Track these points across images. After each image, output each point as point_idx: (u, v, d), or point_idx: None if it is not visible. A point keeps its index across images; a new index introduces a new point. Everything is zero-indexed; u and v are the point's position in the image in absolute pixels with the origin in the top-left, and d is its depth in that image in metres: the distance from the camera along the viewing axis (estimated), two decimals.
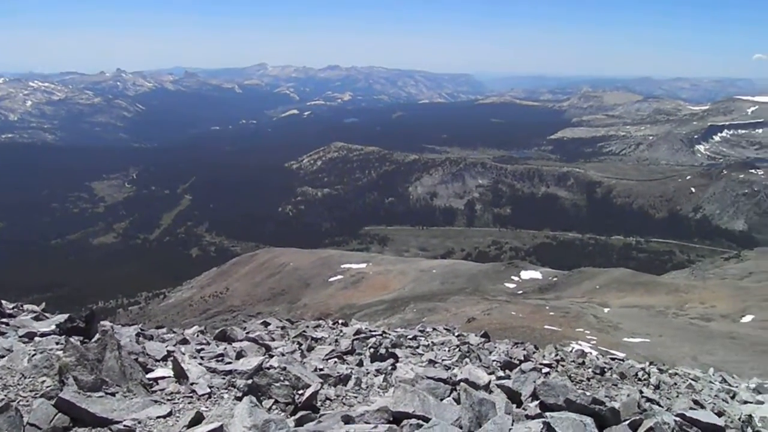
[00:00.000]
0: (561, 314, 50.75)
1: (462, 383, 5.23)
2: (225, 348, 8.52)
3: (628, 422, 4.98)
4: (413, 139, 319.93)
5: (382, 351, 9.80)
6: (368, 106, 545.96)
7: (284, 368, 6.53)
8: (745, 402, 9.80)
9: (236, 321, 57.88)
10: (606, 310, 58.74)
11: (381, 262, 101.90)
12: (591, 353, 15.59)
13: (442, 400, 5.57)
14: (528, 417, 4.78)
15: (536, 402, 5.23)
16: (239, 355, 8.04)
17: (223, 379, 6.37)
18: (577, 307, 57.34)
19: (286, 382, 6.14)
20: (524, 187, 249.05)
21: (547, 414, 4.42)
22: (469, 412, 4.61)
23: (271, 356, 8.16)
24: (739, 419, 7.47)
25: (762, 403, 9.54)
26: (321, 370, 7.76)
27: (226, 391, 6.10)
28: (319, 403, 6.26)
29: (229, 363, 7.16)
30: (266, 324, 13.05)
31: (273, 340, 10.72)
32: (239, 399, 5.68)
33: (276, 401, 5.89)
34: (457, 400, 5.21)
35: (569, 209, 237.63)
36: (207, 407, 5.64)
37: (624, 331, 44.95)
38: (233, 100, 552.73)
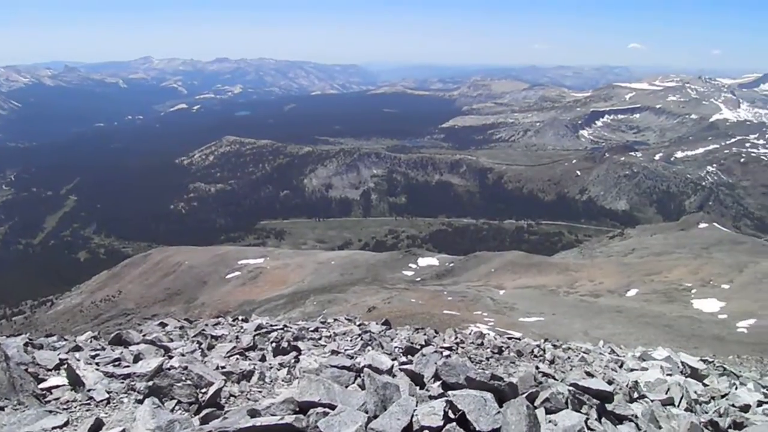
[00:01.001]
0: (459, 299, 51.88)
1: (366, 369, 5.31)
2: (122, 352, 8.25)
3: (525, 395, 5.22)
4: (306, 131, 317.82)
5: (285, 345, 9.78)
6: (260, 99, 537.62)
7: (185, 368, 6.42)
8: (632, 370, 10.37)
9: (131, 324, 56.05)
10: (502, 292, 60.50)
11: (279, 256, 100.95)
12: (489, 334, 16.06)
13: (347, 387, 5.64)
14: (431, 397, 4.92)
15: (438, 382, 5.38)
16: (137, 358, 7.81)
17: (122, 383, 6.19)
18: (474, 291, 58.78)
19: (189, 382, 6.05)
20: (418, 175, 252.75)
21: (450, 393, 4.57)
22: (374, 397, 4.70)
23: (171, 357, 7.97)
24: (627, 386, 7.90)
25: (646, 369, 10.12)
26: (223, 367, 7.66)
27: (126, 395, 5.94)
28: (223, 401, 6.19)
29: (127, 367, 6.95)
30: (163, 325, 12.71)
31: (171, 341, 10.46)
32: (140, 402, 5.55)
33: (179, 402, 5.78)
34: (362, 386, 5.29)
35: (463, 196, 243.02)
36: (107, 413, 5.48)
37: (520, 312, 46.42)
38: (118, 95, 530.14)
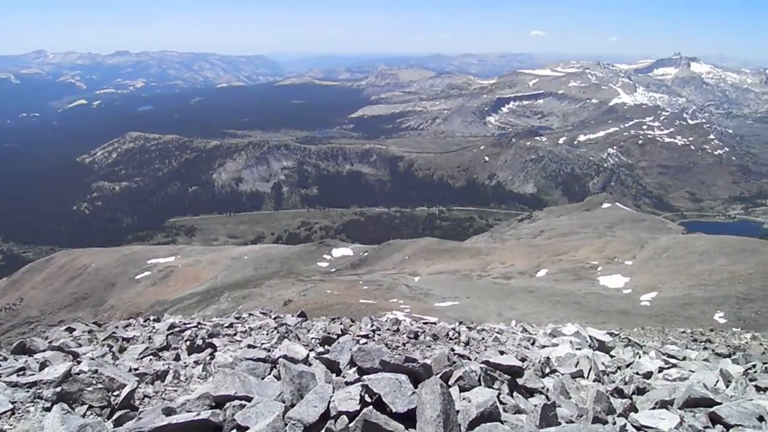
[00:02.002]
0: (375, 287, 52.16)
1: (281, 359, 5.30)
2: (26, 361, 7.89)
3: (439, 374, 5.34)
4: (214, 124, 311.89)
5: (199, 342, 9.61)
6: (163, 93, 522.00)
7: (96, 371, 6.23)
8: (544, 346, 10.69)
9: (36, 332, 53.74)
10: (416, 278, 61.15)
11: (190, 254, 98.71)
12: (405, 320, 16.24)
13: (263, 378, 5.60)
14: (348, 383, 4.95)
15: (354, 368, 5.42)
16: (43, 365, 7.48)
17: (27, 392, 5.93)
18: (389, 279, 59.18)
19: (100, 385, 5.87)
20: (329, 166, 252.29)
21: (365, 377, 4.61)
22: (290, 386, 4.69)
23: (80, 362, 7.69)
24: (539, 361, 8.16)
25: (557, 345, 10.47)
26: (136, 369, 7.47)
27: (33, 404, 5.69)
28: (137, 402, 6.04)
29: (33, 375, 6.67)
30: (71, 330, 12.23)
31: (80, 345, 10.09)
32: (48, 410, 5.35)
33: (90, 406, 5.60)
34: (278, 377, 5.28)
35: (374, 185, 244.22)
36: (11, 424, 5.25)
37: (435, 297, 47.07)
38: (10, 91, 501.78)
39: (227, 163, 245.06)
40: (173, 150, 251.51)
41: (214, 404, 4.73)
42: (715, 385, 7.33)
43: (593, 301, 45.03)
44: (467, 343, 12.21)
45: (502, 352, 9.20)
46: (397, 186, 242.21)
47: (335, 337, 10.69)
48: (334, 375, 5.54)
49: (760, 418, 5.32)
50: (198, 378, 7.44)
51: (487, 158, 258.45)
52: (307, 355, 6.35)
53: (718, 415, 5.40)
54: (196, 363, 8.19)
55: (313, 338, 11.12)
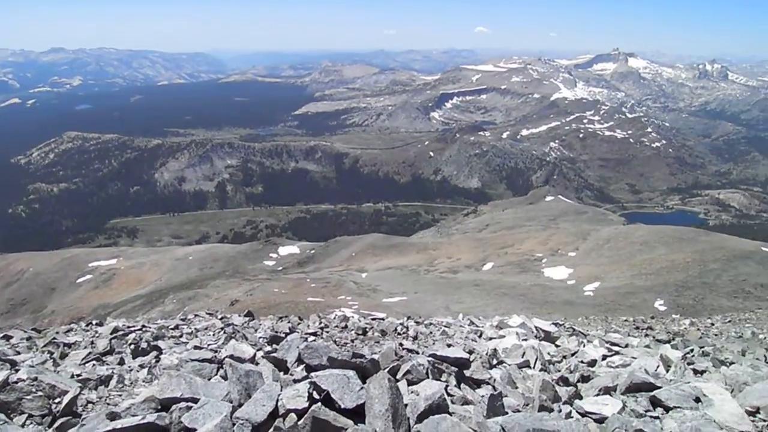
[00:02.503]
0: (322, 285, 52.03)
1: (227, 359, 5.24)
2: None
3: (387, 369, 5.35)
4: (155, 123, 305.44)
5: (144, 345, 9.44)
6: (102, 91, 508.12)
7: (35, 378, 6.04)
8: (491, 338, 10.81)
9: None
10: (364, 275, 61.26)
11: (133, 255, 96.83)
12: (353, 317, 16.24)
13: (210, 379, 5.53)
14: (296, 381, 4.92)
15: (302, 366, 5.39)
16: None
17: None
18: (336, 276, 59.15)
19: (40, 393, 5.70)
20: (274, 164, 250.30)
21: (313, 374, 4.59)
22: (238, 386, 4.65)
23: (18, 370, 7.45)
24: (486, 353, 8.25)
25: (504, 336, 10.60)
26: (79, 375, 7.27)
27: None
28: (80, 408, 5.89)
29: None
30: (8, 338, 11.83)
31: (18, 353, 9.76)
32: None
33: (30, 415, 5.44)
34: (225, 377, 5.22)
35: (320, 182, 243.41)
36: None
37: (383, 293, 47.23)
38: None
39: (170, 162, 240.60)
40: (113, 150, 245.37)
41: (160, 407, 4.65)
42: (656, 370, 7.53)
43: (539, 293, 45.80)
44: (415, 338, 12.28)
45: (449, 346, 9.29)
46: (342, 183, 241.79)
47: (283, 335, 10.63)
48: (282, 373, 5.51)
49: (697, 399, 5.52)
50: (143, 381, 7.30)
51: (431, 154, 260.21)
52: (254, 355, 6.30)
53: (658, 399, 5.58)
54: (141, 366, 8.04)
55: (260, 337, 11.03)
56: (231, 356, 6.01)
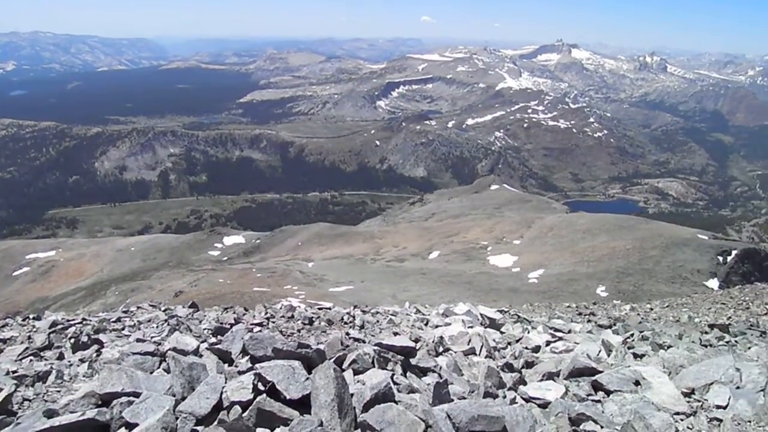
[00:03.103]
0: (268, 274, 51.70)
1: (170, 352, 5.14)
2: None
3: (333, 359, 5.33)
4: (94, 110, 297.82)
5: (84, 339, 9.18)
6: (37, 77, 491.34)
7: None
8: (437, 326, 10.88)
9: None
10: (310, 264, 61.07)
11: (72, 247, 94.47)
12: (300, 307, 16.15)
13: (152, 373, 5.42)
14: (240, 372, 4.86)
15: (247, 357, 5.33)
16: None
17: None
18: (283, 266, 58.81)
19: None
20: (218, 152, 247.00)
21: (258, 366, 4.54)
22: (180, 379, 4.56)
23: None
24: (433, 341, 8.31)
25: (450, 324, 10.68)
26: (14, 371, 7.03)
27: None
28: (15, 406, 5.70)
29: None
30: None
31: None
32: None
33: None
34: (168, 371, 5.12)
35: (265, 171, 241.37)
36: None
37: (329, 282, 47.18)
38: None
39: (110, 150, 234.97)
40: (51, 138, 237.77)
41: (100, 402, 4.54)
42: (597, 355, 7.71)
43: (484, 281, 46.41)
44: (362, 327, 12.28)
45: (396, 334, 9.32)
46: (288, 172, 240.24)
47: (228, 326, 10.49)
48: (226, 365, 5.43)
49: (636, 383, 5.69)
50: (83, 376, 7.12)
51: (378, 142, 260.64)
52: (198, 347, 6.19)
53: (599, 383, 5.73)
54: (82, 361, 7.83)
55: (205, 329, 10.88)
56: (174, 349, 5.90)
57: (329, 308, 15.95)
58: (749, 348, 8.78)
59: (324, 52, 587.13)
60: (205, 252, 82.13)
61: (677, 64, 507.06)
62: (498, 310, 14.26)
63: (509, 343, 9.16)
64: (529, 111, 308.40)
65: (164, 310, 14.04)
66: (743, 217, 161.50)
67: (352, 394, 4.39)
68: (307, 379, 4.34)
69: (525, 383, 6.20)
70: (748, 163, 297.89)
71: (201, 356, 5.64)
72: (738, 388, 5.60)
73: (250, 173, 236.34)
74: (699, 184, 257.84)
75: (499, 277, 48.47)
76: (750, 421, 5.06)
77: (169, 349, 5.85)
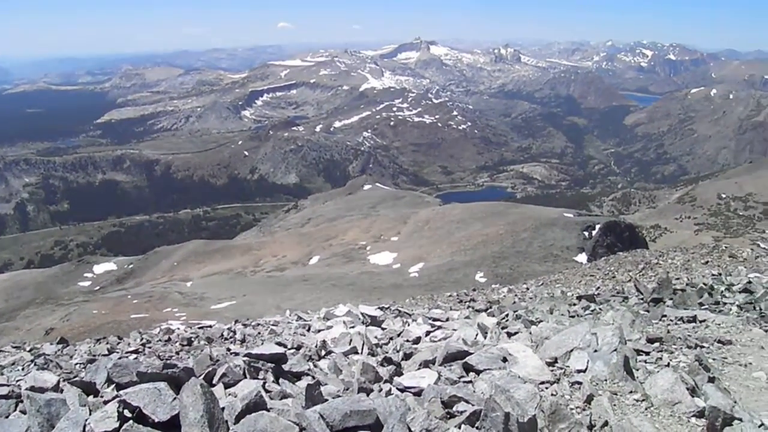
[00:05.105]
0: (145, 299, 49.89)
1: (25, 392, 4.89)
2: None
3: (202, 375, 5.25)
4: None
5: None
6: None
7: None
8: (319, 330, 10.95)
9: None
10: (189, 283, 59.45)
11: None
12: (179, 328, 15.76)
13: (7, 417, 5.14)
14: (105, 402, 4.70)
15: (112, 386, 5.15)
16: None
17: None
18: (160, 289, 56.94)
19: None
20: (78, 177, 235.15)
21: (122, 392, 4.41)
22: (38, 418, 4.34)
23: None
24: (315, 346, 8.36)
25: (331, 327, 10.77)
26: None
27: None
28: None
29: None
30: None
31: None
32: None
33: None
34: (25, 411, 4.87)
35: (131, 192, 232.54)
36: None
37: (210, 300, 46.11)
38: None
39: None
40: None
41: None
42: (474, 339, 7.99)
43: (366, 280, 46.88)
44: (243, 341, 12.15)
45: (279, 343, 9.29)
46: (156, 191, 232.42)
47: (102, 358, 10.10)
48: (90, 397, 5.22)
49: (504, 359, 5.96)
50: None
51: (246, 153, 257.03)
52: (58, 382, 5.91)
53: (469, 364, 5.96)
54: None
55: (76, 364, 10.43)
56: (31, 387, 5.60)
57: (210, 326, 15.68)
58: (607, 313, 9.40)
59: (182, 65, 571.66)
60: (75, 283, 78.19)
61: (530, 54, 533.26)
62: (379, 308, 14.48)
63: (391, 338, 9.31)
64: (394, 109, 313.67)
65: (30, 350, 13.31)
66: (602, 193, 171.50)
67: (223, 408, 4.34)
68: (175, 399, 4.24)
69: (402, 374, 6.34)
70: (602, 142, 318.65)
71: (62, 391, 5.40)
72: (595, 351, 5.99)
73: (115, 196, 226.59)
74: (560, 165, 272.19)
75: (381, 275, 49.13)
76: (606, 380, 5.44)
77: (26, 389, 5.55)
